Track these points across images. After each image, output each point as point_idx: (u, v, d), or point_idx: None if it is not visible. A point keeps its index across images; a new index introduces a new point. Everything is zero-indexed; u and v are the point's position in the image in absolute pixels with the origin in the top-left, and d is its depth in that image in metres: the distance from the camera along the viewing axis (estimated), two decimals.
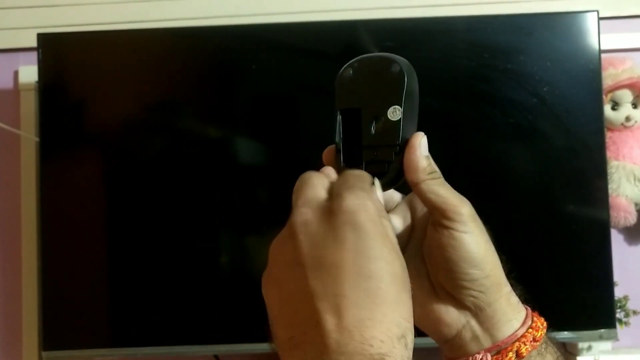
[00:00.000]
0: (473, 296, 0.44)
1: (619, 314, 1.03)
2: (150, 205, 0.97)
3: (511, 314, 0.44)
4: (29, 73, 1.12)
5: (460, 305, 0.44)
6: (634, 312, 1.05)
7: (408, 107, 0.44)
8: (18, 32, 1.15)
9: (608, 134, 1.06)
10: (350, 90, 0.45)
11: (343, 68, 0.46)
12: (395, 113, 0.43)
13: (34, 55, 0.98)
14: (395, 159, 0.43)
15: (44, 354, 0.96)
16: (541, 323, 0.45)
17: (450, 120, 0.96)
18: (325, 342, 0.34)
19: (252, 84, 0.98)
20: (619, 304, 1.03)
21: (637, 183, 1.05)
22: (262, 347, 0.95)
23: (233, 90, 0.98)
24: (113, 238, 0.98)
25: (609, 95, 1.05)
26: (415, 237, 0.47)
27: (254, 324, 0.96)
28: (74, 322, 0.97)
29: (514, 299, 0.45)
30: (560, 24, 0.96)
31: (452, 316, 0.45)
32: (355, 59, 0.46)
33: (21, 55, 1.15)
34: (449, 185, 0.44)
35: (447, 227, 0.43)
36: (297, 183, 0.41)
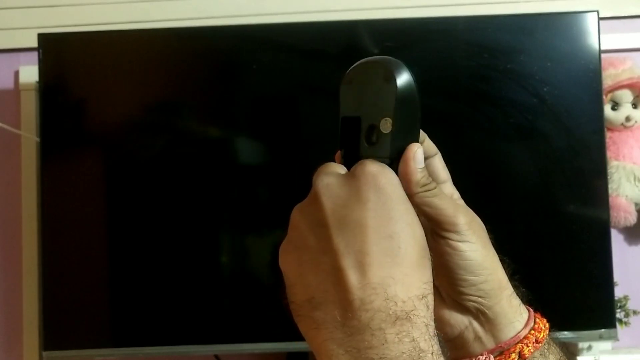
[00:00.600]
0: (473, 300, 0.44)
1: (619, 314, 1.03)
2: (150, 205, 0.98)
3: (513, 315, 0.45)
4: (30, 73, 1.12)
5: (462, 308, 0.45)
6: (634, 312, 1.05)
7: (402, 115, 0.42)
8: (18, 32, 1.15)
9: (608, 134, 1.06)
10: (350, 98, 0.45)
11: (346, 72, 0.45)
12: (386, 125, 0.42)
13: (34, 55, 0.98)
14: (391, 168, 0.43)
15: (44, 353, 0.96)
16: (544, 324, 0.45)
17: (450, 120, 0.96)
18: (349, 299, 0.35)
19: (252, 84, 0.98)
20: (619, 304, 1.03)
21: (637, 183, 1.05)
22: (262, 347, 0.95)
23: (233, 91, 0.98)
24: (113, 238, 0.98)
25: (609, 95, 1.05)
26: None
27: (254, 324, 0.96)
28: (74, 322, 0.97)
29: (516, 301, 0.46)
30: (560, 24, 0.96)
31: (454, 318, 0.46)
32: (357, 62, 0.45)
33: (22, 55, 1.16)
34: (444, 195, 0.44)
35: (444, 237, 0.43)
36: (318, 168, 0.42)
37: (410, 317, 0.35)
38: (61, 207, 0.97)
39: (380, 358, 0.34)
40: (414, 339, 0.34)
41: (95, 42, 1.00)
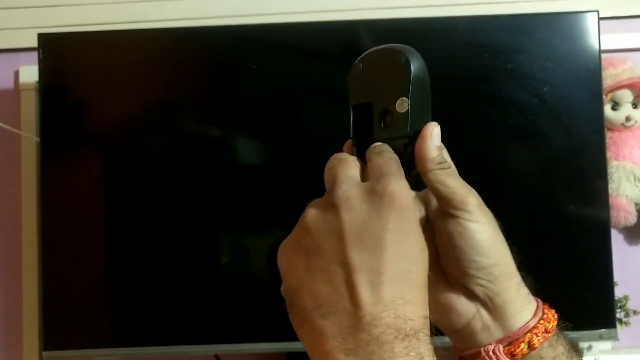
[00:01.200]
0: (482, 285, 0.44)
1: (619, 314, 1.03)
2: (150, 206, 0.98)
3: (521, 304, 0.45)
4: (30, 73, 1.12)
5: (471, 294, 0.45)
6: (634, 312, 1.05)
7: (417, 96, 0.43)
8: (18, 32, 1.15)
9: (608, 134, 1.06)
10: (361, 86, 0.45)
11: (354, 63, 0.46)
12: (402, 105, 0.43)
13: (34, 55, 0.98)
14: (407, 150, 0.43)
15: (44, 353, 0.96)
16: (552, 315, 0.45)
17: (450, 120, 0.96)
18: (359, 314, 0.35)
19: (252, 84, 0.98)
20: (619, 304, 1.03)
21: (637, 183, 1.05)
22: (262, 347, 0.95)
23: (233, 91, 0.98)
24: (113, 238, 0.98)
25: (609, 95, 1.05)
26: (429, 229, 0.48)
27: (254, 324, 0.96)
28: (74, 322, 0.97)
29: (524, 290, 0.45)
30: (560, 24, 0.96)
31: (462, 305, 0.45)
32: (364, 53, 0.46)
33: (22, 55, 1.15)
34: (458, 176, 0.44)
35: (454, 216, 0.43)
36: (333, 161, 0.42)
37: (417, 335, 0.35)
38: (61, 207, 0.97)
39: None
40: (419, 353, 0.35)
41: (95, 42, 1.00)
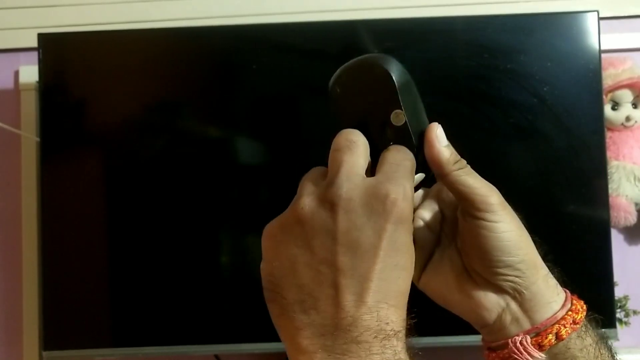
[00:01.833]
0: (510, 280, 0.44)
1: (619, 314, 1.03)
2: (150, 206, 0.98)
3: (550, 296, 0.45)
4: (30, 73, 1.12)
5: (499, 289, 0.45)
6: (634, 312, 1.05)
7: (408, 103, 0.42)
8: (18, 32, 1.15)
9: (608, 134, 1.06)
10: (347, 109, 0.43)
11: (330, 88, 0.44)
12: (398, 118, 0.42)
13: (34, 55, 0.98)
14: (418, 159, 0.42)
15: (44, 353, 0.96)
16: (581, 306, 0.45)
17: (450, 120, 0.95)
18: (340, 315, 0.35)
19: (252, 84, 0.98)
20: (619, 304, 1.03)
21: (637, 183, 1.05)
22: (262, 347, 0.95)
23: (233, 91, 0.98)
24: (113, 238, 0.98)
25: (609, 95, 1.05)
26: (446, 227, 0.48)
27: (254, 324, 0.96)
28: (74, 322, 0.97)
29: (552, 281, 0.46)
30: (560, 24, 0.96)
31: (491, 300, 0.45)
32: (336, 74, 0.44)
33: (21, 55, 1.15)
34: (475, 174, 0.44)
35: (478, 218, 0.43)
36: (342, 142, 0.40)
37: (397, 335, 0.36)
38: (61, 207, 0.97)
39: None
40: (396, 352, 0.35)
41: (95, 42, 1.00)
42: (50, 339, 0.96)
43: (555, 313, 0.44)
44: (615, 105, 1.07)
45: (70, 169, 0.98)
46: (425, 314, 1.00)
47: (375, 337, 0.35)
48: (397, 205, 0.37)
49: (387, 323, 0.36)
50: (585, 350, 0.44)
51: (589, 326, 0.45)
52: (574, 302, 0.45)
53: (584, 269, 0.95)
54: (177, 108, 0.99)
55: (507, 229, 0.43)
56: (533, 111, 0.95)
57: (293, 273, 0.37)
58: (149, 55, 0.99)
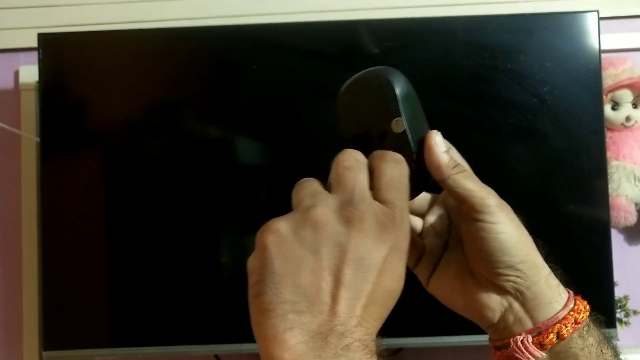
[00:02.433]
0: (512, 281, 0.45)
1: (619, 314, 1.03)
2: (150, 206, 0.98)
3: (551, 296, 0.46)
4: (30, 73, 1.12)
5: (501, 290, 0.46)
6: (634, 312, 1.05)
7: (409, 111, 0.44)
8: (18, 32, 1.15)
9: (608, 134, 1.06)
10: (352, 117, 0.46)
11: (338, 97, 0.46)
12: (398, 125, 0.44)
13: (34, 55, 0.98)
14: (418, 165, 0.44)
15: (44, 353, 0.96)
16: (584, 306, 0.46)
17: (450, 120, 0.96)
18: (333, 322, 0.36)
19: (252, 84, 0.98)
20: (619, 304, 1.03)
21: (637, 183, 1.05)
22: None
23: (233, 91, 0.98)
24: (113, 238, 0.98)
25: (609, 95, 1.05)
26: (453, 232, 0.49)
27: None
28: (74, 322, 0.97)
29: (554, 281, 0.47)
30: (560, 24, 0.96)
31: (494, 301, 0.46)
32: (345, 84, 0.47)
33: (21, 55, 1.15)
34: (475, 177, 0.46)
35: (477, 220, 0.44)
36: (351, 161, 0.41)
37: (375, 353, 0.37)
38: (61, 207, 0.97)
39: None
40: (373, 355, 0.36)
41: (95, 42, 1.00)
42: (50, 339, 0.96)
43: (557, 313, 0.45)
44: (615, 105, 1.07)
45: (70, 169, 0.98)
46: (425, 315, 1.00)
47: (363, 349, 0.36)
48: (404, 228, 0.39)
49: (373, 339, 0.37)
50: (587, 349, 0.45)
51: (591, 326, 0.46)
52: (577, 302, 0.46)
53: (584, 269, 0.95)
54: (177, 108, 0.99)
55: (506, 230, 0.44)
56: (533, 111, 0.95)
57: (295, 275, 0.37)
58: (149, 55, 0.99)
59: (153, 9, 1.15)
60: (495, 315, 0.46)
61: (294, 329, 0.36)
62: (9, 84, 1.16)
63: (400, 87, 0.44)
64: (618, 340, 0.97)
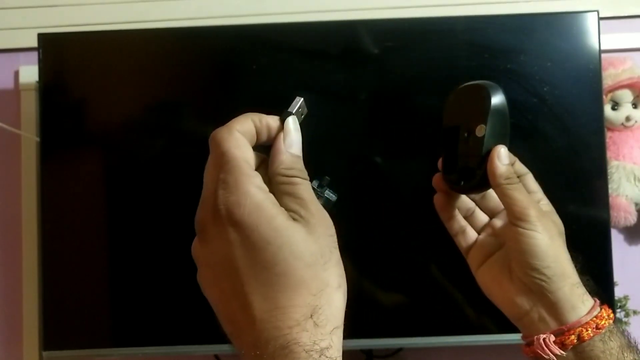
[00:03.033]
0: (537, 283, 0.52)
1: (619, 314, 1.03)
2: (150, 206, 0.98)
3: (575, 302, 0.52)
4: (30, 73, 1.12)
5: (528, 289, 0.53)
6: (634, 312, 1.05)
7: (493, 124, 0.52)
8: (18, 32, 1.15)
9: (608, 134, 1.06)
10: (452, 112, 0.57)
11: (449, 94, 0.57)
12: (480, 130, 0.52)
13: (34, 55, 0.98)
14: (481, 167, 0.53)
15: (44, 353, 0.96)
16: (607, 314, 0.52)
17: None
18: (249, 337, 0.37)
19: (252, 84, 0.98)
20: (619, 304, 1.03)
21: (637, 183, 1.05)
22: None
23: (233, 91, 0.98)
24: (113, 238, 0.98)
25: (609, 95, 1.05)
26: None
27: None
28: (74, 322, 0.97)
29: (580, 289, 0.53)
30: (560, 24, 0.96)
31: (521, 298, 0.53)
32: (458, 87, 0.57)
33: (21, 55, 1.16)
34: (523, 189, 0.53)
35: (516, 225, 0.52)
36: (211, 161, 0.44)
37: (297, 342, 0.36)
38: (61, 207, 0.97)
39: None
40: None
41: (95, 42, 1.00)
42: (50, 339, 0.96)
43: (580, 317, 0.51)
44: (615, 105, 1.07)
45: (70, 169, 0.98)
46: (425, 315, 1.00)
47: (283, 350, 0.37)
48: (232, 212, 0.40)
49: (284, 333, 0.37)
50: (607, 352, 0.50)
51: (615, 332, 0.51)
52: (602, 310, 0.52)
53: (584, 269, 0.95)
54: (177, 108, 0.99)
55: (538, 237, 0.51)
56: (533, 111, 0.95)
57: (223, 310, 0.42)
58: (149, 55, 0.99)
59: (153, 9, 1.15)
60: (521, 311, 0.53)
61: (240, 353, 0.39)
62: (9, 84, 1.16)
63: (495, 101, 0.52)
64: None
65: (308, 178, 0.41)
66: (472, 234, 0.59)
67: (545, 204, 0.58)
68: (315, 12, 1.13)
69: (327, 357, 0.36)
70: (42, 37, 0.97)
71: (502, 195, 0.53)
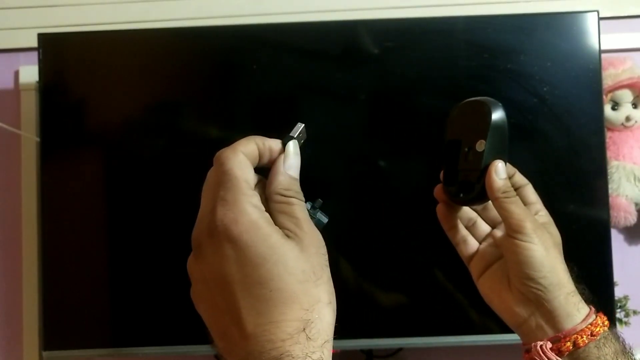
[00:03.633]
0: (533, 292, 0.54)
1: (619, 314, 1.03)
2: (150, 205, 0.98)
3: (570, 310, 0.54)
4: (30, 73, 1.12)
5: (526, 298, 0.55)
6: (634, 312, 1.05)
7: (493, 139, 0.54)
8: (18, 32, 1.15)
9: (608, 134, 1.06)
10: (454, 126, 0.58)
11: (452, 109, 0.59)
12: (480, 145, 0.54)
13: (34, 55, 0.98)
14: (480, 180, 0.55)
15: (44, 353, 0.96)
16: (602, 322, 0.54)
17: None
18: (242, 351, 0.38)
19: (252, 84, 0.98)
20: (619, 304, 1.03)
21: (637, 183, 1.05)
22: None
23: (233, 91, 0.98)
24: (113, 238, 0.98)
25: (609, 95, 1.05)
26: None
27: None
28: (74, 322, 0.97)
29: (575, 298, 0.55)
30: (560, 24, 0.96)
31: (520, 307, 0.55)
32: (462, 102, 0.58)
33: (21, 55, 1.16)
34: (520, 202, 0.55)
35: (512, 237, 0.54)
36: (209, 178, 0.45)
37: (290, 353, 0.37)
38: (61, 207, 0.97)
39: None
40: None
41: (95, 42, 1.00)
42: (50, 339, 0.96)
43: (575, 325, 0.53)
44: (615, 105, 1.07)
45: (70, 169, 0.98)
46: (425, 315, 1.00)
47: None
48: (228, 228, 0.40)
49: (276, 347, 0.37)
50: (602, 358, 0.52)
51: (610, 338, 0.53)
52: (597, 317, 0.54)
53: (584, 269, 0.95)
54: (177, 108, 0.99)
55: (534, 249, 0.53)
56: (533, 111, 0.95)
57: (213, 324, 0.44)
58: (149, 55, 0.99)
59: (153, 9, 1.15)
60: (519, 320, 0.55)
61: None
62: (9, 84, 1.16)
63: (496, 118, 0.55)
64: None
65: (304, 199, 0.43)
66: (473, 244, 0.61)
67: (544, 215, 0.60)
68: (315, 12, 1.14)
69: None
70: (42, 37, 0.97)
71: (500, 208, 0.54)
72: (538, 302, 0.54)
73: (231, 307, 0.38)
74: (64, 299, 0.97)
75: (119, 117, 0.98)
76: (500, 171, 0.54)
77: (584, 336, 0.52)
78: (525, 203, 0.57)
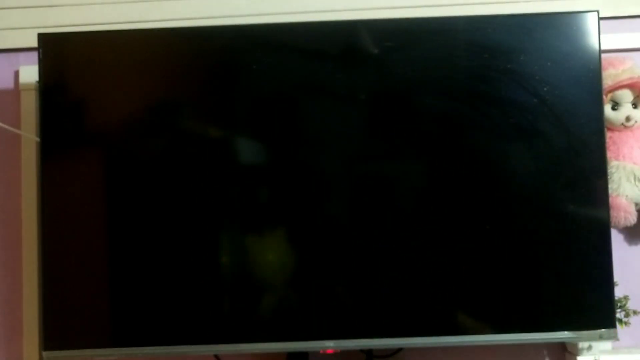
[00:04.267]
0: None
1: (619, 314, 1.03)
2: (150, 205, 0.97)
3: None
4: (30, 73, 1.12)
5: None
6: (634, 312, 1.05)
7: None
8: (18, 32, 1.15)
9: (608, 134, 1.06)
10: None
11: None
12: None
13: (34, 55, 0.98)
14: None
15: (44, 353, 0.96)
16: None
17: (450, 120, 0.96)
18: None
19: (252, 84, 0.98)
20: (619, 304, 1.03)
21: (637, 183, 1.05)
22: (262, 347, 0.95)
23: (233, 90, 0.98)
24: (113, 238, 0.98)
25: (609, 95, 1.05)
26: None
27: (253, 324, 0.96)
28: (74, 322, 0.97)
29: None
30: (560, 24, 0.96)
31: None
32: None
33: (22, 55, 1.16)
34: None
35: None
36: None
37: None
38: (61, 207, 0.97)
39: None
40: None
41: (95, 42, 1.00)
42: (51, 339, 0.96)
43: None
44: (615, 105, 1.07)
45: (70, 169, 0.98)
46: (425, 315, 1.00)
47: None
48: None
49: None
50: None
51: None
52: None
53: (584, 269, 0.95)
54: (177, 108, 0.99)
55: None
56: (533, 111, 0.95)
57: None
58: (149, 55, 0.99)
59: (153, 9, 1.15)
60: None
61: None
62: (9, 84, 1.16)
63: None
64: (618, 340, 0.97)
65: None
66: None
67: None
68: (315, 12, 1.14)
69: None
70: (42, 37, 0.97)
71: None
72: None
73: None
74: (64, 298, 0.97)
75: (119, 117, 0.98)
76: None
77: None
78: None
